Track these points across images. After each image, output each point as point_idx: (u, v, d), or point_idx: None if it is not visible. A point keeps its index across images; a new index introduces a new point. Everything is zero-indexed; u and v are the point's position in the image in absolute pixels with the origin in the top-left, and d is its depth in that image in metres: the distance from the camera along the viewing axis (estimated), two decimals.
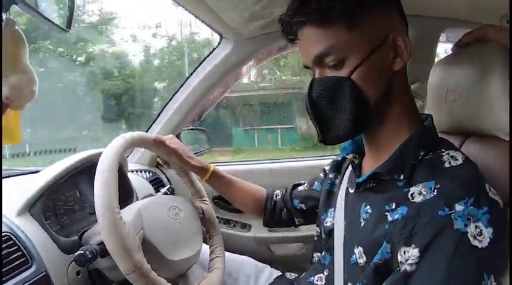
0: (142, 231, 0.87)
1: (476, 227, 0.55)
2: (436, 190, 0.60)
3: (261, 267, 1.20)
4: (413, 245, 0.58)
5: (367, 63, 0.67)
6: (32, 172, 1.21)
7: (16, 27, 0.56)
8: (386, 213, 0.65)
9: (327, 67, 0.70)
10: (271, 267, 1.22)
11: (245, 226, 1.70)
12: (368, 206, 0.71)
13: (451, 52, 0.88)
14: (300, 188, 1.12)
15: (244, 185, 1.17)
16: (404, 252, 0.59)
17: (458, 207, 0.56)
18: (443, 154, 0.66)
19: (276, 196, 1.15)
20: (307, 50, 0.71)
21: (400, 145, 0.70)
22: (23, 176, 1.20)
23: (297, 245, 1.66)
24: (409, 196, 0.63)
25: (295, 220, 1.12)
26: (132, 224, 0.84)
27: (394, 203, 0.65)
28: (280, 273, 1.15)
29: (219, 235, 1.14)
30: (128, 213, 0.87)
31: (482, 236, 0.54)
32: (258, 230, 1.66)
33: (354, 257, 0.71)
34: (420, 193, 0.62)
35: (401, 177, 0.67)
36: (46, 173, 1.00)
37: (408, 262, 0.57)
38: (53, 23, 0.64)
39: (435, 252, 0.56)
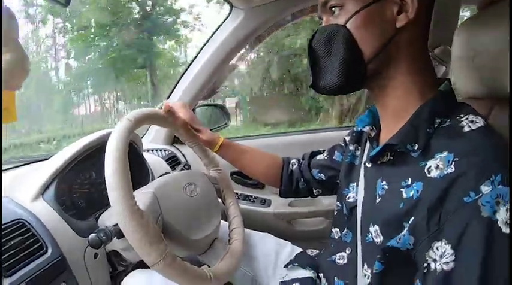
0: (161, 216, 0.84)
1: (507, 210, 0.50)
2: (454, 164, 0.55)
3: (283, 244, 1.18)
4: (444, 241, 0.53)
5: (365, 13, 0.64)
6: (44, 159, 1.21)
7: (4, 3, 0.52)
8: (401, 189, 0.62)
9: (331, 15, 0.69)
10: (292, 243, 1.20)
11: (265, 202, 1.68)
12: (384, 182, 0.68)
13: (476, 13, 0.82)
14: (319, 157, 1.08)
15: (258, 154, 1.14)
16: (438, 248, 0.54)
17: (485, 189, 0.51)
18: (462, 119, 0.61)
19: (292, 165, 1.12)
20: None
21: (413, 113, 0.65)
22: (37, 163, 1.20)
23: (318, 219, 1.65)
24: (426, 171, 0.58)
25: (314, 190, 1.10)
26: (149, 211, 0.81)
27: (410, 179, 0.61)
28: (301, 250, 1.13)
29: (236, 204, 1.11)
30: (144, 198, 0.84)
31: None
32: (278, 206, 1.65)
33: (369, 235, 0.69)
34: (437, 167, 0.57)
35: (416, 147, 0.62)
36: (58, 158, 0.99)
37: (443, 261, 0.53)
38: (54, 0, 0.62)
39: (468, 247, 0.51)
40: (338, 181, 0.94)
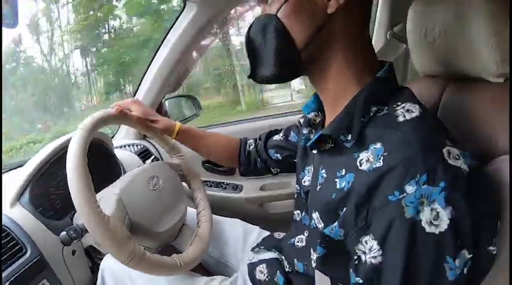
0: (128, 217, 0.88)
1: (432, 209, 0.49)
2: (383, 159, 0.54)
3: (251, 228, 1.21)
4: (371, 235, 0.53)
5: (294, 1, 0.64)
6: (17, 167, 1.25)
7: None
8: (336, 180, 0.61)
9: (266, 3, 0.69)
10: (262, 227, 1.23)
11: (236, 187, 1.72)
12: (323, 170, 0.68)
13: None
14: (276, 137, 1.10)
15: (216, 137, 1.16)
16: (366, 242, 0.54)
17: (409, 188, 0.50)
18: (398, 107, 0.59)
19: (249, 146, 1.15)
20: None
21: (348, 102, 0.64)
22: (14, 170, 1.24)
23: (289, 202, 1.66)
24: (358, 163, 0.58)
25: (272, 169, 1.12)
26: (116, 215, 0.84)
27: (343, 170, 0.60)
28: (269, 233, 1.16)
29: (201, 188, 1.15)
30: (109, 203, 0.87)
31: (439, 220, 0.49)
32: (249, 191, 1.70)
33: (313, 221, 0.69)
34: (368, 160, 0.56)
35: (349, 137, 0.62)
36: (30, 164, 1.04)
37: (372, 255, 0.53)
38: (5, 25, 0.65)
39: (392, 244, 0.52)
40: (295, 160, 0.95)
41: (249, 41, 0.72)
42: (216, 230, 1.17)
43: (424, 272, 0.50)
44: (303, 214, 0.88)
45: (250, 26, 0.72)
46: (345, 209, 0.58)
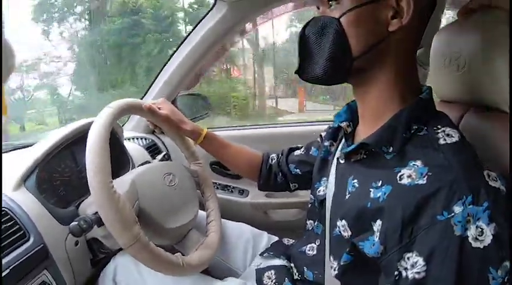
0: (138, 202, 0.87)
1: (477, 227, 0.53)
2: (427, 178, 0.57)
3: (259, 233, 1.22)
4: (416, 252, 0.56)
5: (360, 11, 0.65)
6: (27, 146, 1.21)
7: None
8: (370, 189, 0.63)
9: (328, 7, 0.70)
10: (269, 232, 1.24)
11: (243, 192, 1.71)
12: (355, 180, 0.69)
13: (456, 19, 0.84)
14: (296, 152, 1.11)
15: (239, 148, 1.17)
16: (409, 258, 0.56)
17: (457, 209, 0.54)
18: (439, 130, 0.63)
19: (271, 160, 1.15)
20: None
21: (392, 116, 0.67)
22: (18, 150, 1.20)
23: (294, 210, 1.68)
24: (397, 177, 0.60)
25: (291, 184, 1.12)
26: (126, 196, 0.83)
27: (380, 181, 0.63)
28: (277, 239, 1.17)
29: (215, 197, 1.15)
30: (122, 185, 0.86)
31: (483, 235, 0.53)
32: (256, 196, 1.68)
33: (337, 229, 0.70)
34: (409, 176, 0.59)
35: (390, 150, 0.64)
36: (40, 146, 1.00)
37: (415, 270, 0.55)
38: None
39: (440, 261, 0.54)
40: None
41: (304, 39, 0.73)
42: (224, 233, 1.16)
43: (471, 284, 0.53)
44: (316, 223, 0.90)
45: (307, 24, 0.73)
46: (380, 223, 0.60)
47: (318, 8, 0.73)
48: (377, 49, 0.66)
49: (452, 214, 0.54)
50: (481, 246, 0.52)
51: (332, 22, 0.67)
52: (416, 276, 0.55)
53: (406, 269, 0.56)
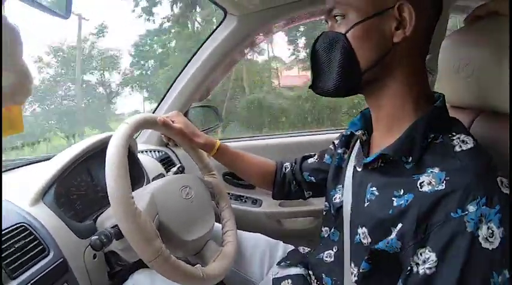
0: (158, 216, 0.88)
1: (488, 228, 0.55)
2: (445, 183, 0.59)
3: (274, 243, 1.22)
4: (429, 248, 0.59)
5: (365, 25, 0.68)
6: (42, 160, 1.23)
7: (13, 24, 0.55)
8: (393, 198, 0.65)
9: (336, 22, 0.72)
10: (284, 241, 1.24)
11: (256, 202, 1.71)
12: (374, 188, 0.71)
13: (462, 25, 0.85)
14: (310, 160, 1.12)
15: (252, 158, 1.18)
16: (421, 253, 0.59)
17: (471, 208, 0.56)
18: (454, 137, 0.65)
19: (285, 168, 1.16)
20: (326, 4, 0.74)
21: (408, 126, 0.69)
22: (35, 164, 1.22)
23: (308, 219, 1.68)
24: (418, 185, 0.62)
25: (305, 192, 1.13)
26: (147, 211, 0.85)
27: (402, 190, 0.65)
28: (293, 248, 1.17)
29: (230, 208, 1.16)
30: (141, 199, 0.88)
31: (493, 237, 0.55)
32: (269, 206, 1.68)
33: (357, 237, 0.72)
34: (429, 183, 0.61)
35: (410, 159, 0.66)
36: (57, 161, 1.02)
37: (427, 266, 0.58)
38: (53, 11, 0.63)
39: (451, 256, 0.57)
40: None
41: (314, 54, 0.76)
42: (240, 245, 1.16)
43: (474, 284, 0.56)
44: (332, 230, 0.91)
45: (317, 39, 0.76)
46: (400, 225, 0.62)
47: (327, 22, 0.76)
48: (384, 61, 0.69)
49: (466, 212, 0.56)
50: (490, 248, 0.55)
51: (339, 37, 0.70)
52: (428, 271, 0.58)
53: (417, 264, 0.60)
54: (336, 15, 0.71)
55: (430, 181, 0.61)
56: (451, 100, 0.88)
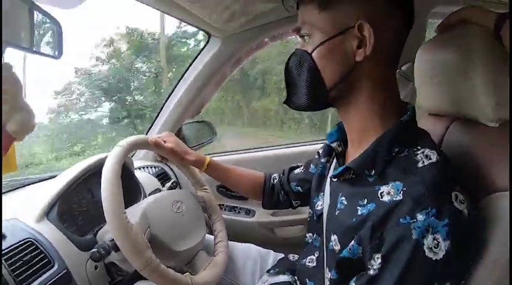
0: (149, 229, 0.97)
1: (434, 239, 0.57)
2: (402, 193, 0.62)
3: (265, 252, 1.27)
4: (380, 253, 0.61)
5: (329, 45, 0.70)
6: (46, 179, 1.31)
7: (12, 69, 0.62)
8: (358, 207, 0.68)
9: (304, 41, 0.75)
10: (275, 250, 1.29)
11: (249, 212, 1.77)
12: (343, 198, 0.74)
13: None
14: (297, 171, 1.15)
15: (242, 171, 1.23)
16: (377, 258, 0.61)
17: (420, 217, 0.58)
18: (419, 152, 0.66)
19: (273, 180, 1.19)
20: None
21: (373, 140, 0.70)
22: (39, 183, 1.30)
23: (299, 227, 1.73)
24: (379, 195, 0.65)
25: (293, 202, 1.16)
26: (139, 224, 0.93)
27: (365, 199, 0.67)
28: (283, 255, 1.22)
29: (221, 220, 1.23)
30: (134, 214, 0.96)
31: (438, 249, 0.57)
32: (262, 215, 1.75)
33: (331, 243, 0.74)
34: (388, 193, 0.63)
35: (372, 172, 0.69)
36: (60, 180, 1.10)
37: (373, 267, 0.62)
38: (45, 55, 0.71)
39: (392, 260, 0.59)
40: None
41: (287, 71, 0.80)
42: (232, 255, 1.22)
43: None
44: (314, 235, 0.93)
45: (290, 57, 0.79)
46: (360, 231, 0.65)
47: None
48: (348, 78, 0.71)
49: (414, 220, 0.58)
50: (433, 258, 0.57)
51: (306, 56, 0.73)
52: (371, 272, 0.62)
53: (371, 266, 0.62)
54: (304, 35, 0.74)
55: (389, 191, 0.63)
56: (429, 107, 0.91)
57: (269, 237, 1.73)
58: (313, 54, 0.71)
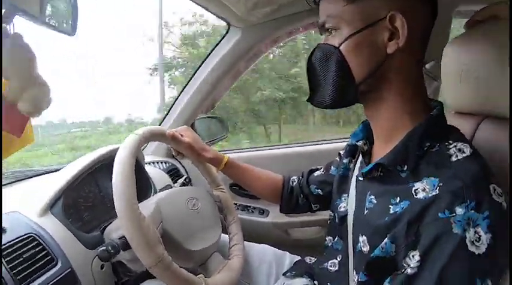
0: (162, 224, 0.90)
1: (475, 232, 0.55)
2: (438, 188, 0.60)
3: (281, 254, 1.23)
4: (418, 250, 0.59)
5: (358, 38, 0.68)
6: (51, 171, 1.25)
7: (24, 40, 0.56)
8: (390, 206, 0.66)
9: (329, 35, 0.73)
10: (290, 252, 1.25)
11: (263, 212, 1.72)
12: (372, 196, 0.72)
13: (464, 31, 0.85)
14: (317, 173, 1.12)
15: (259, 172, 1.19)
16: (413, 256, 0.59)
17: (459, 210, 0.56)
18: (451, 146, 0.65)
19: (292, 182, 1.16)
20: (319, 18, 0.75)
21: (404, 135, 0.69)
22: (43, 176, 1.24)
23: (315, 228, 1.68)
24: (413, 192, 0.63)
25: (312, 205, 1.13)
26: (151, 218, 0.86)
27: (398, 197, 0.65)
28: (300, 258, 1.17)
29: (237, 222, 1.17)
30: (147, 207, 0.89)
31: (480, 242, 0.55)
32: (276, 216, 1.68)
33: (358, 245, 0.72)
34: (424, 190, 0.62)
35: (405, 168, 0.67)
36: (66, 173, 1.03)
37: (411, 265, 0.59)
38: (58, 29, 0.65)
39: (433, 256, 0.57)
40: None
41: (311, 66, 0.77)
42: (246, 256, 1.17)
43: None
44: (336, 239, 0.92)
45: (313, 52, 0.76)
46: (394, 229, 0.63)
47: (321, 34, 0.77)
48: (379, 72, 0.69)
49: (454, 214, 0.56)
50: (476, 252, 0.55)
51: (333, 50, 0.70)
52: (409, 271, 0.59)
53: (409, 266, 0.60)
54: (329, 29, 0.72)
55: (424, 187, 0.62)
56: (455, 106, 0.89)
57: (283, 239, 1.69)
58: (341, 48, 0.69)
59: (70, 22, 0.67)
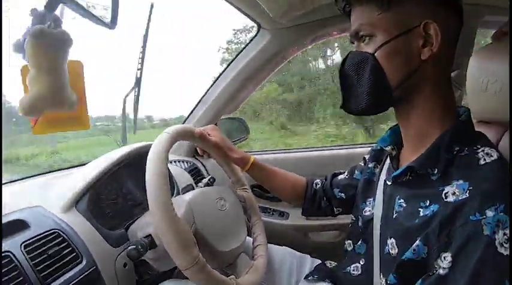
0: (195, 225, 0.89)
1: (504, 234, 0.56)
2: (468, 192, 0.61)
3: (302, 257, 1.22)
4: (449, 250, 0.60)
5: (392, 45, 0.70)
6: (76, 166, 1.25)
7: (69, 35, 0.56)
8: (420, 209, 0.68)
9: (362, 42, 0.74)
10: (310, 255, 1.24)
11: (283, 214, 1.71)
12: (402, 200, 0.74)
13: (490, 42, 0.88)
14: (340, 177, 1.13)
15: (284, 174, 1.18)
16: (445, 257, 0.60)
17: (489, 213, 0.58)
18: (479, 150, 0.67)
19: (315, 185, 1.16)
20: (352, 26, 0.76)
21: (434, 140, 0.71)
22: (68, 170, 1.23)
23: (334, 232, 1.67)
24: (443, 195, 0.64)
25: (335, 209, 1.13)
26: (184, 219, 0.85)
27: (428, 201, 0.67)
28: (320, 262, 1.16)
29: (261, 222, 1.15)
30: (179, 207, 0.88)
31: (508, 244, 0.56)
32: (296, 218, 1.68)
33: (387, 248, 0.74)
34: (454, 193, 0.63)
35: (435, 171, 0.69)
36: (92, 168, 1.03)
37: (443, 266, 0.60)
38: (101, 21, 0.65)
39: (464, 258, 0.58)
40: None
41: (344, 74, 0.78)
42: (268, 258, 1.14)
43: None
44: (359, 242, 0.91)
45: (345, 59, 0.78)
46: (425, 231, 0.64)
47: (353, 43, 0.78)
48: (413, 78, 0.71)
49: (484, 216, 0.58)
50: (505, 253, 0.56)
51: (368, 58, 0.72)
52: (441, 272, 0.60)
53: (440, 267, 0.61)
54: (363, 36, 0.74)
55: (454, 191, 0.63)
56: (479, 115, 0.90)
57: (303, 242, 1.69)
58: (376, 54, 0.71)
59: (111, 16, 0.67)
